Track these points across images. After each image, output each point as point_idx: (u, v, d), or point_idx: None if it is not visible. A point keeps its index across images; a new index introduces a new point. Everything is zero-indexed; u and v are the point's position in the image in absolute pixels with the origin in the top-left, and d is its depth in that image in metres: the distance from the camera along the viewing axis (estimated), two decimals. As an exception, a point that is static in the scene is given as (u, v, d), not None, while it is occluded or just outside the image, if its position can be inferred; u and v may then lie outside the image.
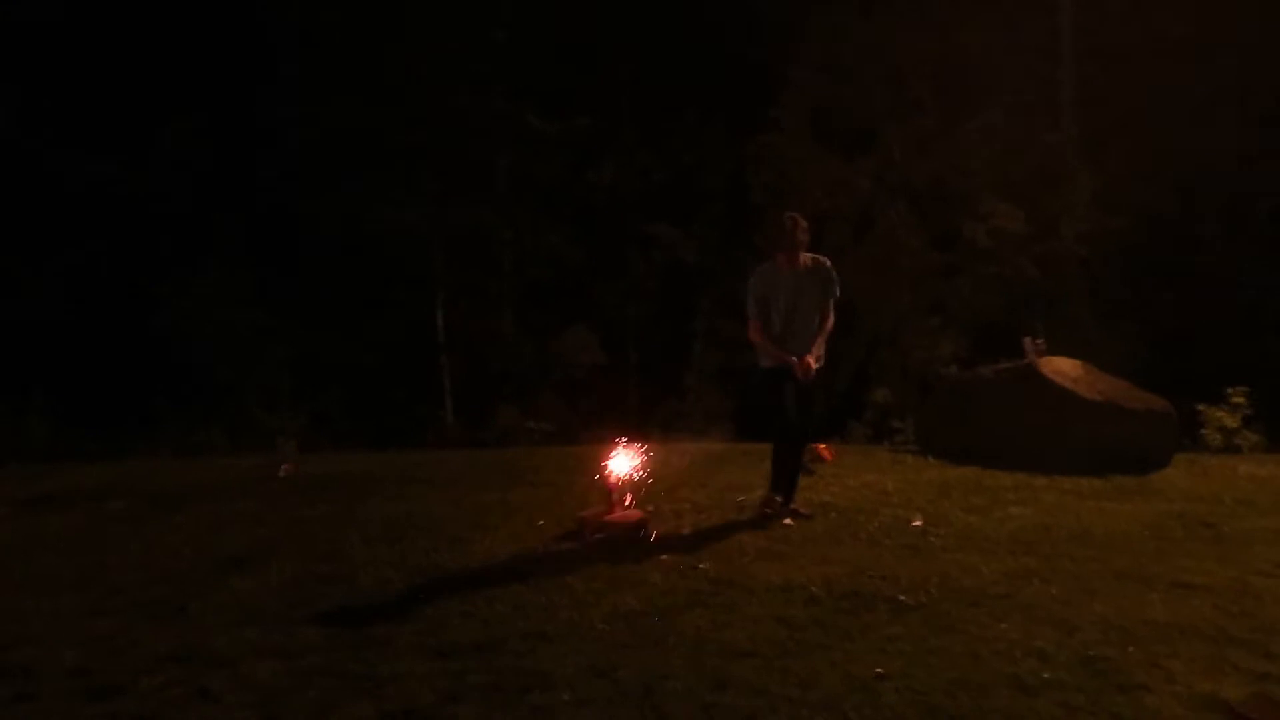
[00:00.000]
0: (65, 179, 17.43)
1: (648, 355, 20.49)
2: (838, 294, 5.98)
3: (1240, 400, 9.76)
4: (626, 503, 5.80)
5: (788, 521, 5.87)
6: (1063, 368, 8.10)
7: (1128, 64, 17.21)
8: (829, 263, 6.05)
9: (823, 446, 7.81)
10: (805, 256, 5.97)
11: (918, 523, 5.75)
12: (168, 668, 3.82)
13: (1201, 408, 9.79)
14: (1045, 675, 3.58)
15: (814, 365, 5.84)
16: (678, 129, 20.06)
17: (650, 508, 6.00)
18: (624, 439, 6.17)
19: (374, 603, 4.59)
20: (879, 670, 3.65)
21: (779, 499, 5.97)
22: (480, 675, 3.69)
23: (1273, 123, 16.51)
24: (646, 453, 6.40)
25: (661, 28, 19.44)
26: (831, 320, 5.95)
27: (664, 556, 5.18)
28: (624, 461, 5.96)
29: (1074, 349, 10.21)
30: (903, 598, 4.44)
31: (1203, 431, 9.79)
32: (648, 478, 6.27)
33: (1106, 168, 16.79)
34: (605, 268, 20.39)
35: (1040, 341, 8.41)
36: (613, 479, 5.80)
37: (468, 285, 20.11)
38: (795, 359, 5.81)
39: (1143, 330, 16.06)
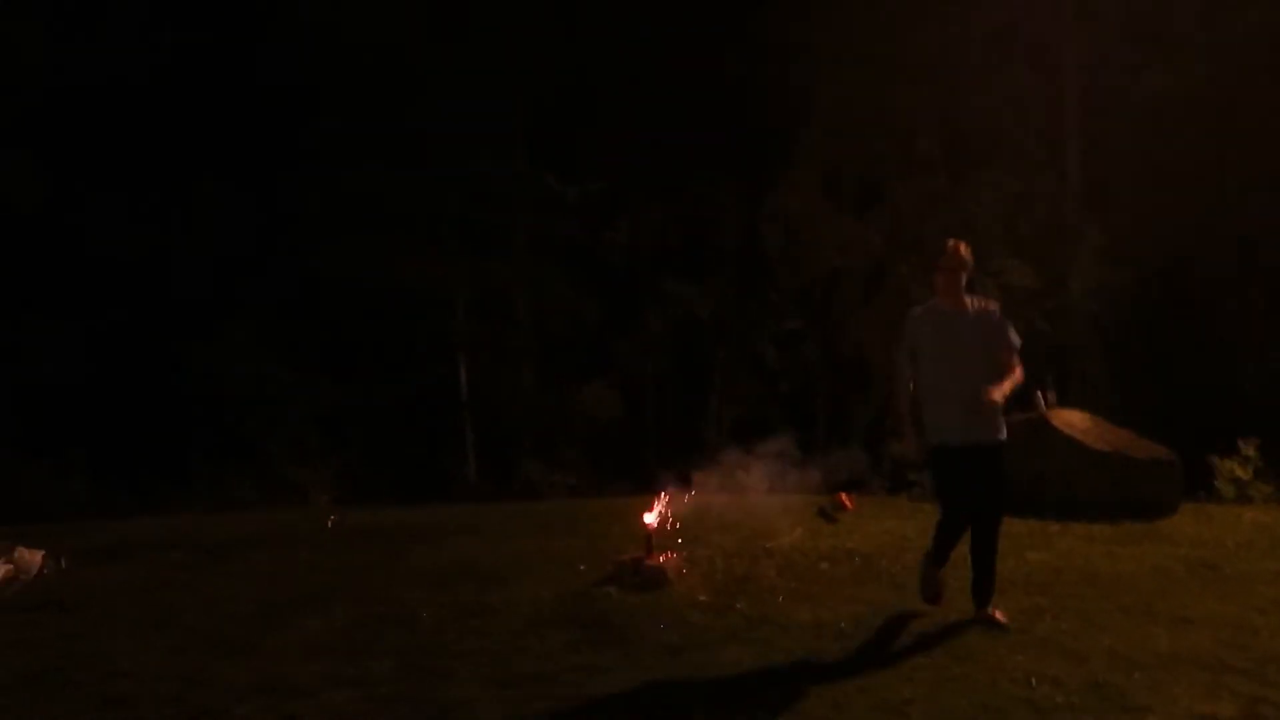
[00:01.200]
0: (95, 245, 18.03)
1: (665, 409, 20.88)
2: (1016, 343, 4.86)
3: (1252, 453, 9.93)
4: (662, 549, 6.16)
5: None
6: (1072, 420, 8.45)
7: (1132, 119, 17.73)
8: (996, 307, 4.98)
9: (844, 495, 8.17)
10: (971, 299, 4.90)
11: (937, 565, 6.07)
12: (255, 697, 4.18)
13: (1214, 459, 9.98)
14: (1058, 699, 3.92)
15: (995, 397, 4.66)
16: (691, 188, 20.65)
17: (685, 553, 6.35)
18: (656, 491, 6.57)
19: (434, 639, 4.95)
20: (906, 696, 4.00)
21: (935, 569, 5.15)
22: (541, 702, 4.05)
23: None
24: (677, 503, 6.81)
25: (675, 90, 20.11)
26: (1018, 371, 4.80)
27: (701, 597, 5.53)
28: (657, 511, 6.35)
29: (1087, 401, 10.57)
30: (927, 631, 4.79)
31: (1215, 483, 9.97)
32: (680, 526, 6.65)
33: (1113, 222, 17.25)
34: (622, 324, 20.88)
35: (1051, 394, 8.78)
36: (648, 526, 6.17)
37: (489, 343, 20.61)
38: (919, 440, 4.92)
39: (1154, 381, 16.39)
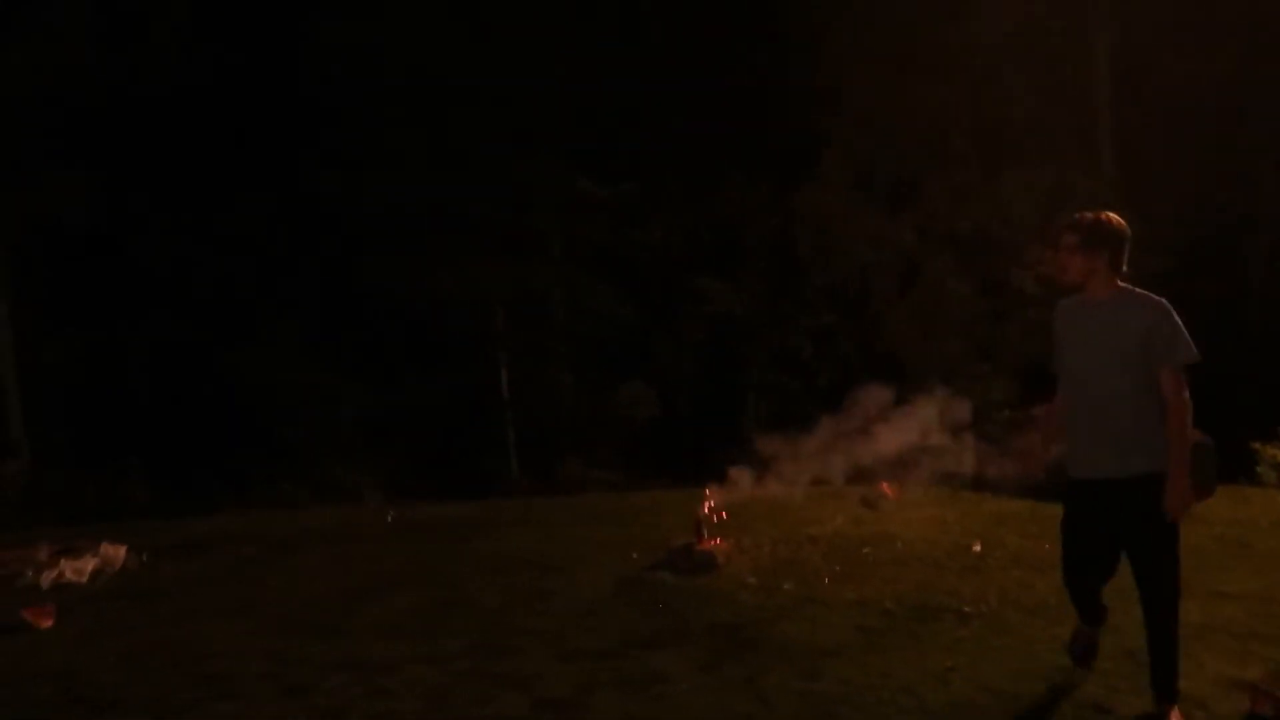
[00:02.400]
0: (144, 257, 18.60)
1: (702, 406, 21.15)
2: (1174, 356, 3.50)
3: (1293, 439, 10.00)
4: (712, 536, 6.46)
5: None
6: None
7: (1166, 107, 17.72)
8: (1157, 303, 3.57)
9: (886, 485, 8.41)
10: (1122, 290, 3.63)
11: (977, 548, 6.33)
12: (343, 673, 4.52)
13: (1255, 445, 10.05)
14: (1093, 666, 4.16)
15: (1179, 501, 3.49)
16: (723, 186, 20.87)
17: (732, 540, 6.64)
18: (707, 484, 6.91)
19: (500, 621, 5.28)
20: (949, 665, 4.26)
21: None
22: (607, 674, 4.35)
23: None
24: (725, 494, 7.14)
25: (704, 90, 20.34)
26: (1180, 400, 3.49)
27: (750, 579, 5.82)
28: (707, 501, 6.67)
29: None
30: (966, 609, 5.05)
31: (1257, 469, 10.04)
32: (728, 515, 6.95)
33: (1149, 210, 17.25)
34: (657, 323, 21.18)
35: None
36: (700, 515, 6.48)
37: (528, 344, 21.00)
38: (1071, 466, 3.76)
39: (1193, 368, 16.41)
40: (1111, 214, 3.68)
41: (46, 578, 6.72)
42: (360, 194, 19.10)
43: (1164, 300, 3.59)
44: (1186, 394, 3.52)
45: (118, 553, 7.12)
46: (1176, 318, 3.54)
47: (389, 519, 8.58)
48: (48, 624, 5.66)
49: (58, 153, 16.68)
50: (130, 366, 18.58)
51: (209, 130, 18.79)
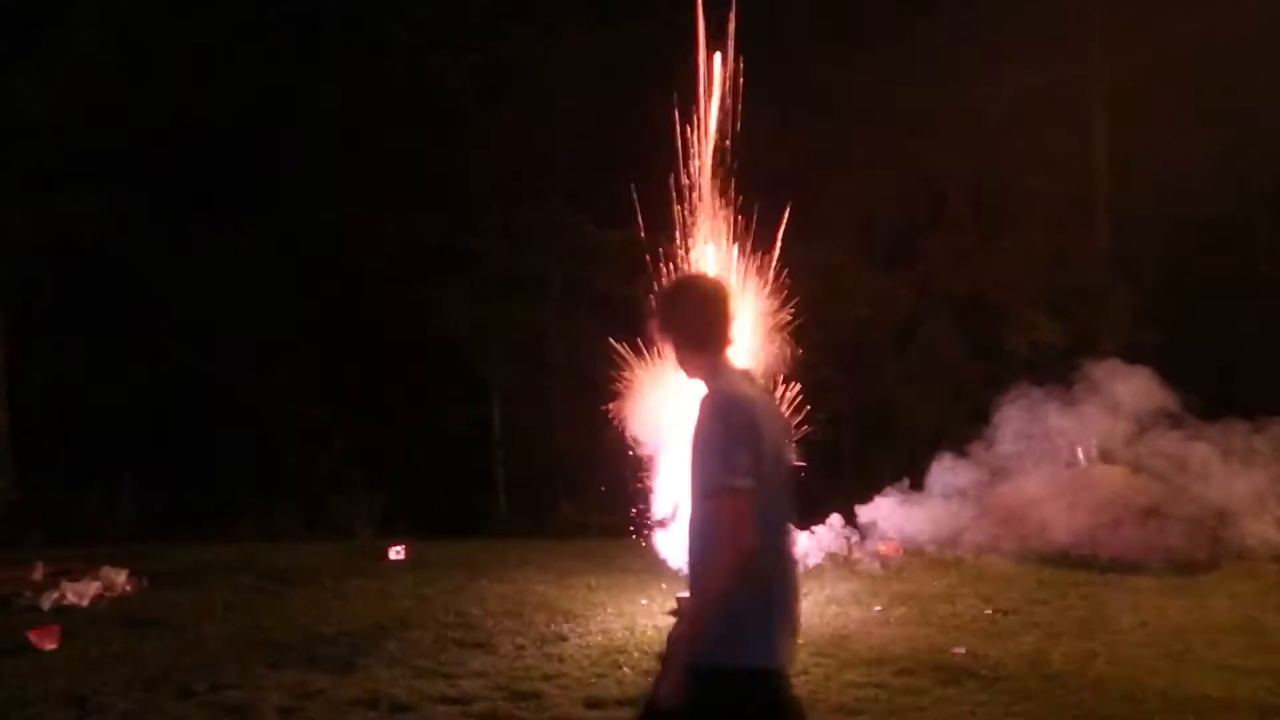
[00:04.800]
0: (145, 281, 18.53)
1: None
2: (705, 473, 2.19)
3: (1283, 512, 10.08)
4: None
5: None
6: (1111, 474, 8.71)
7: (1161, 177, 18.01)
8: (713, 390, 2.29)
9: (890, 546, 8.42)
10: (722, 371, 2.35)
11: (989, 611, 6.34)
12: (362, 711, 4.47)
13: (1247, 519, 10.11)
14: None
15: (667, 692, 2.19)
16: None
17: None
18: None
19: (516, 664, 5.24)
20: (974, 727, 4.26)
21: None
22: (633, 723, 4.32)
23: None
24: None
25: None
26: (719, 538, 2.13)
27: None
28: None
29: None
30: (984, 672, 5.05)
31: (1249, 542, 10.10)
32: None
33: (1142, 278, 17.50)
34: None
35: (1092, 446, 9.03)
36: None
37: (522, 384, 20.96)
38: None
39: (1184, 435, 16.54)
40: (685, 276, 2.02)
41: (47, 599, 6.64)
42: (364, 229, 19.16)
43: (728, 387, 2.26)
44: (731, 541, 2.07)
45: (118, 577, 7.05)
46: (727, 406, 2.19)
47: (390, 554, 8.51)
48: (52, 646, 5.59)
49: (68, 174, 16.67)
50: (124, 389, 18.39)
51: (216, 158, 18.82)
